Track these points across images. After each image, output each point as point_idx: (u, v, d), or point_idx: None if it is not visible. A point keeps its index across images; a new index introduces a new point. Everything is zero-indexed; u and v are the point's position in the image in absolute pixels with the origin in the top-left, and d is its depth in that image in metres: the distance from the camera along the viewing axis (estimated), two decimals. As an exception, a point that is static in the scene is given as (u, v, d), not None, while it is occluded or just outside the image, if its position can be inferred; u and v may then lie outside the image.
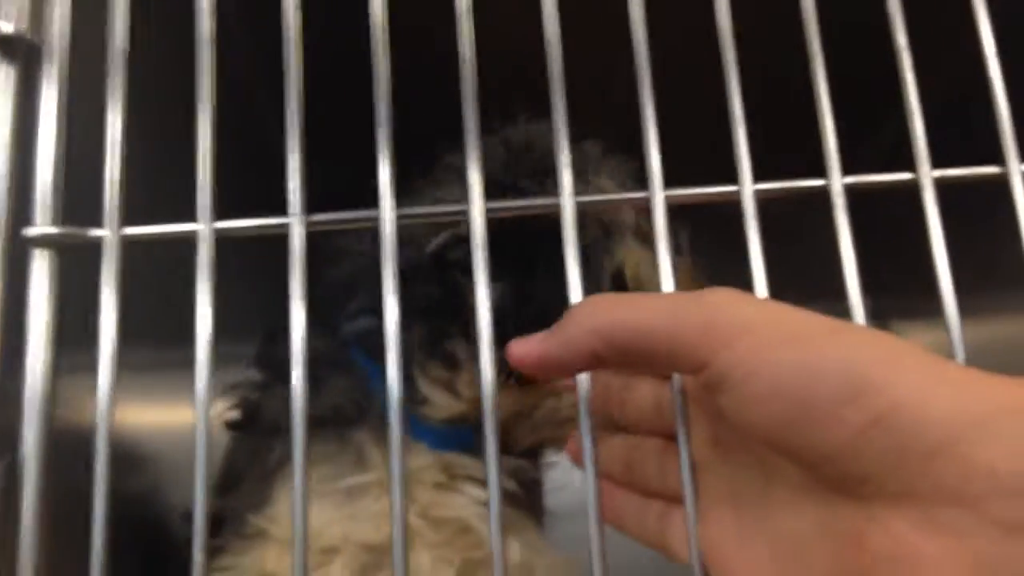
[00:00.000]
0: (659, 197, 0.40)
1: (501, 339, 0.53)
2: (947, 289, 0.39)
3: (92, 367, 0.38)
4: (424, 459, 0.64)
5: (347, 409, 0.64)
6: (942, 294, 0.39)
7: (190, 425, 0.38)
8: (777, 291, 0.39)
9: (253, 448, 0.66)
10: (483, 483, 0.62)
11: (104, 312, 0.39)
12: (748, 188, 0.40)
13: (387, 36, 0.40)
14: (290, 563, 0.57)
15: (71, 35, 0.41)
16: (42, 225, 0.40)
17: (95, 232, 0.40)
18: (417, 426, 0.65)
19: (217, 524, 0.63)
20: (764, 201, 0.40)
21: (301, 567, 0.36)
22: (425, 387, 0.65)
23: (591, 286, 0.55)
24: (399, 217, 0.40)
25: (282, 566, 0.57)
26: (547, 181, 0.59)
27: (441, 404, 0.65)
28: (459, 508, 0.62)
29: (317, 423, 0.62)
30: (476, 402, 0.63)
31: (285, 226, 0.40)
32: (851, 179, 0.40)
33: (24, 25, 0.41)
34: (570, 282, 0.38)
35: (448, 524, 0.61)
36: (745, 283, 0.39)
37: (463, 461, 0.64)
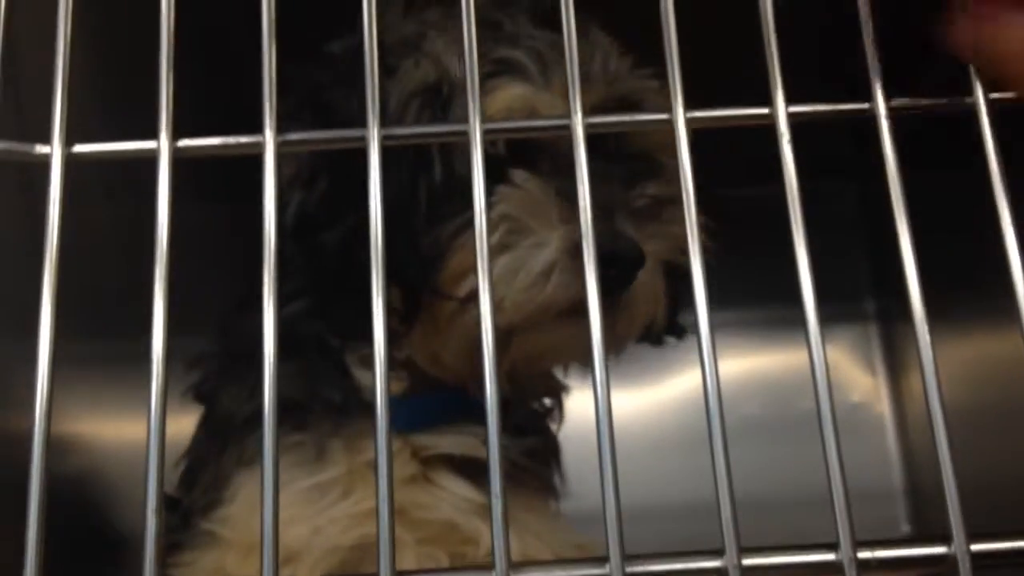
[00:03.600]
0: (681, 119, 0.35)
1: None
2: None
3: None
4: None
5: (298, 398, 0.57)
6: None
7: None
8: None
9: (211, 439, 0.60)
10: (460, 468, 0.57)
11: (49, 238, 0.34)
12: (782, 110, 0.35)
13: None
14: (252, 567, 0.53)
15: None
16: (-19, 139, 0.35)
17: (40, 149, 0.35)
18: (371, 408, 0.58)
19: (183, 517, 0.58)
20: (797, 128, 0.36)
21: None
22: (358, 373, 0.57)
23: None
24: (387, 137, 0.35)
25: (243, 570, 0.52)
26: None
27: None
28: (441, 507, 0.56)
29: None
30: (418, 371, 0.56)
31: (257, 145, 0.35)
32: (901, 101, 0.35)
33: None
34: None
35: (431, 524, 0.55)
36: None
37: (433, 441, 0.57)
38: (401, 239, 0.50)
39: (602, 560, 0.31)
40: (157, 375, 0.32)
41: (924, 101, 0.36)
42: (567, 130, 0.35)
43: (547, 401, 0.63)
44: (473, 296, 0.51)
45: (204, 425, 0.61)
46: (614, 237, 0.50)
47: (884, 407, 1.12)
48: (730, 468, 0.32)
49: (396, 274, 0.51)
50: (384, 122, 0.51)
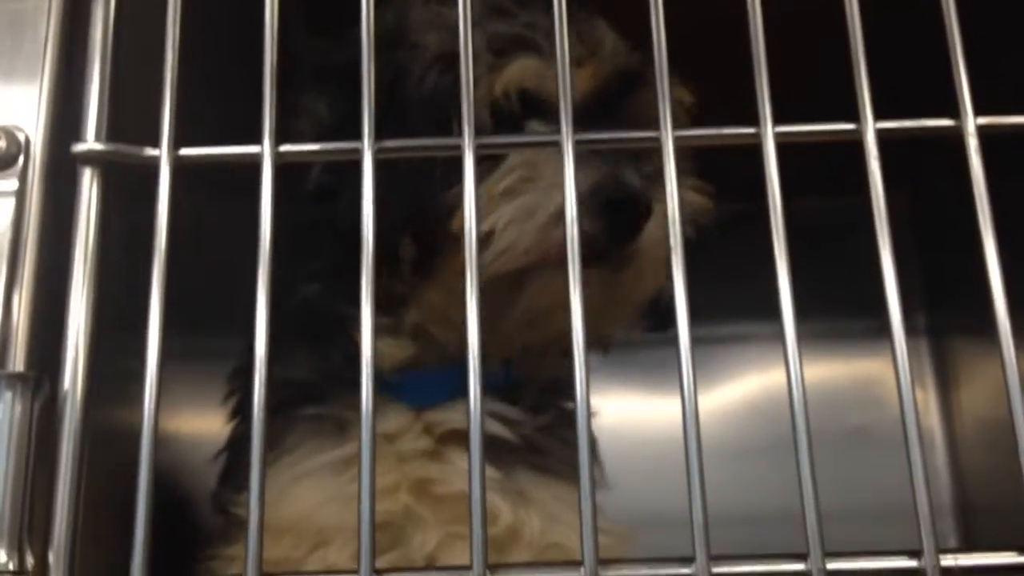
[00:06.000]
0: (770, 134, 0.36)
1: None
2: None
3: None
4: (400, 421, 0.57)
5: (314, 380, 0.58)
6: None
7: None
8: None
9: (244, 432, 0.61)
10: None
11: (158, 238, 0.35)
12: (870, 127, 0.36)
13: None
14: (283, 550, 0.52)
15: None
16: (92, 142, 0.36)
17: (149, 151, 0.36)
18: (396, 384, 0.58)
19: (221, 510, 0.59)
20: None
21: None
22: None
23: None
24: (480, 147, 0.36)
25: (275, 552, 0.52)
26: None
27: (385, 352, 0.58)
28: (457, 482, 0.55)
29: (289, 403, 0.57)
30: (426, 339, 0.57)
31: (355, 151, 0.36)
32: (986, 120, 0.36)
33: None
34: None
35: (450, 500, 0.55)
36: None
37: (445, 416, 0.57)
38: (424, 193, 0.53)
39: (688, 560, 0.32)
40: (260, 384, 0.33)
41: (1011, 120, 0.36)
42: (657, 142, 0.36)
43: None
44: (487, 237, 0.53)
45: (238, 421, 0.62)
46: (622, 184, 0.52)
47: (933, 422, 1.12)
48: (815, 477, 0.33)
49: (415, 224, 0.54)
50: (406, 87, 0.54)
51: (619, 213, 0.52)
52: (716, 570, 0.32)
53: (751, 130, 0.36)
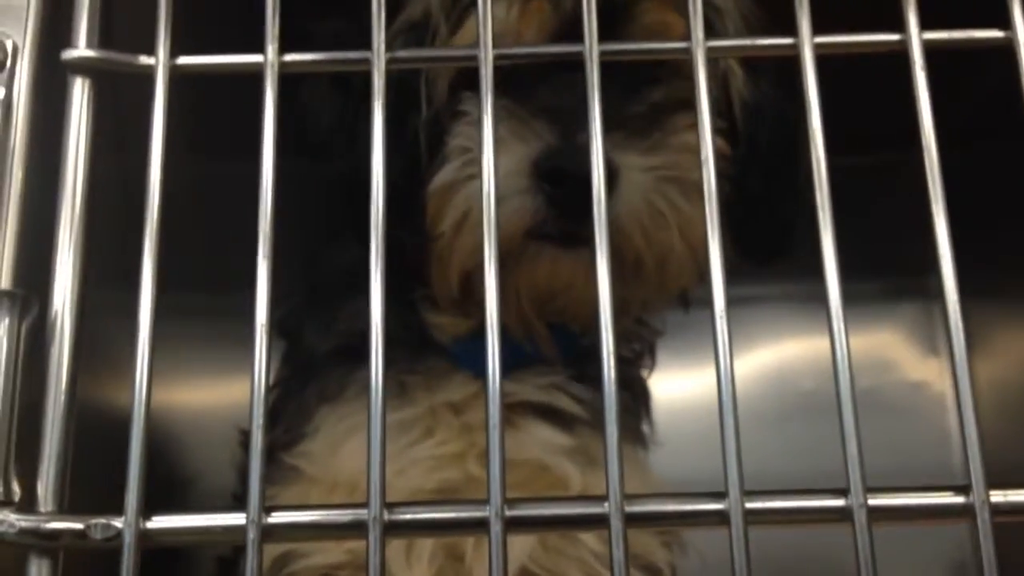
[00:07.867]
0: (807, 45, 0.34)
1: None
2: None
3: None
4: (467, 389, 0.55)
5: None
6: None
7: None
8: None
9: (294, 373, 0.59)
10: (543, 415, 0.56)
11: (153, 150, 0.33)
12: (915, 36, 0.33)
13: None
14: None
15: None
16: (83, 48, 0.34)
17: (144, 60, 0.34)
18: (458, 352, 0.57)
19: (267, 452, 0.57)
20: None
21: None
22: (424, 310, 0.56)
23: None
24: (498, 57, 0.34)
25: None
26: None
27: (447, 324, 0.57)
28: (528, 449, 0.54)
29: (344, 354, 0.56)
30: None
31: (364, 61, 0.34)
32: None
33: None
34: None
35: (520, 466, 0.53)
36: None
37: (514, 388, 0.55)
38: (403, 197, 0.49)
39: (720, 495, 0.30)
40: (261, 339, 0.31)
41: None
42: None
43: (635, 347, 0.61)
44: (446, 233, 0.50)
45: (288, 359, 0.60)
46: (556, 152, 0.46)
47: (945, 387, 1.09)
48: (856, 405, 0.31)
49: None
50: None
51: (559, 185, 0.46)
52: (750, 505, 0.30)
53: (788, 40, 0.34)
